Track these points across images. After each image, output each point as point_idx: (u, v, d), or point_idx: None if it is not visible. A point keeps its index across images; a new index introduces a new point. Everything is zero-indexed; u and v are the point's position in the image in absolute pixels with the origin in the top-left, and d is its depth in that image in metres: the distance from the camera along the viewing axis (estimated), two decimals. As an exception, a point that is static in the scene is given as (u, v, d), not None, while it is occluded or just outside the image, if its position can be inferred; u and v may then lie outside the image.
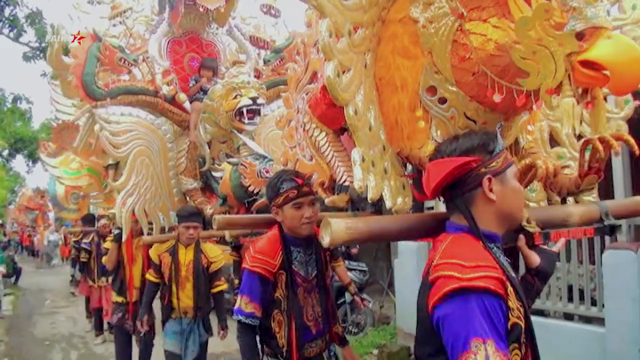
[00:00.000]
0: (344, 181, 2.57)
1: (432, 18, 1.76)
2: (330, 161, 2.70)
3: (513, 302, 1.34)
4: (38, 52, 12.16)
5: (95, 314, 8.28)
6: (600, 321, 4.40)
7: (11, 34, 11.85)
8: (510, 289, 1.34)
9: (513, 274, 1.45)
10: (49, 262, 20.42)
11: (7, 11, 11.64)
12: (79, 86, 4.41)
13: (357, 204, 2.62)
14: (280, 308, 2.56)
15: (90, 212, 9.37)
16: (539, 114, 2.12)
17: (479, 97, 1.73)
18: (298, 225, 2.54)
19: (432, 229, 1.67)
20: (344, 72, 1.74)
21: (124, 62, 4.44)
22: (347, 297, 6.94)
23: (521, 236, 1.71)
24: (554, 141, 2.20)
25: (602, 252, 4.43)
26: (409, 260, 6.57)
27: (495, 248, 1.45)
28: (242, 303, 2.53)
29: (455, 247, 1.42)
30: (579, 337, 4.49)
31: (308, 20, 3.00)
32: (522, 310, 1.37)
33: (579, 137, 2.13)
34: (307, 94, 2.85)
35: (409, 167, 2.14)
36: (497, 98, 1.60)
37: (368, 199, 1.82)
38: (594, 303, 4.59)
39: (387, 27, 1.92)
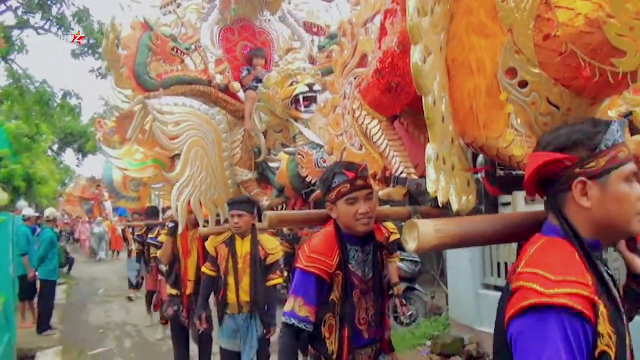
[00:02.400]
0: (401, 173, 2.40)
1: None
2: (384, 151, 2.52)
3: (604, 327, 1.16)
4: (86, 49, 12.33)
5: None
6: None
7: (59, 32, 12.05)
8: (602, 310, 1.16)
9: (615, 292, 1.26)
10: (95, 256, 19.50)
11: (55, 10, 11.79)
12: (130, 77, 4.33)
13: (415, 197, 2.41)
14: (334, 312, 2.40)
15: (154, 205, 8.85)
16: (617, 99, 1.92)
17: (565, 80, 1.55)
18: (353, 222, 2.37)
19: (531, 231, 1.46)
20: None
21: (177, 51, 4.34)
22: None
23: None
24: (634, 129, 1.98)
25: None
26: (462, 250, 6.29)
27: (594, 259, 1.25)
28: (296, 306, 2.34)
29: (544, 254, 1.25)
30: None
31: None
32: (614, 338, 1.18)
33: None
34: (355, 78, 2.70)
35: (479, 159, 1.98)
36: (588, 81, 1.43)
37: (439, 202, 1.66)
38: None
39: (460, 1, 1.75)
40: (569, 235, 1.26)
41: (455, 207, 1.65)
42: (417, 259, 7.72)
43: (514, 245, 1.69)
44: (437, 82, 1.63)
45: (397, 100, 2.39)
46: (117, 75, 4.67)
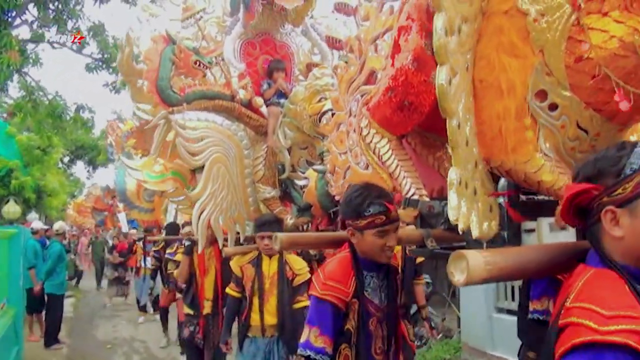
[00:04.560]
0: (412, 194, 2.35)
1: (544, 10, 1.56)
2: (393, 171, 2.48)
3: None
4: (100, 63, 12.32)
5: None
6: None
7: (74, 46, 12.07)
8: None
9: None
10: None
11: (70, 24, 11.65)
12: (153, 91, 4.24)
13: (427, 219, 2.33)
14: (350, 342, 2.26)
15: (174, 222, 8.29)
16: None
17: (597, 104, 1.54)
18: (379, 253, 2.24)
19: (574, 261, 1.40)
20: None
21: (199, 65, 4.29)
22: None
23: None
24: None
25: None
26: None
27: None
28: (312, 336, 2.21)
29: (594, 287, 1.18)
30: None
31: (365, 14, 2.79)
32: None
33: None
34: (362, 95, 2.65)
35: (500, 183, 1.91)
36: (624, 106, 1.41)
37: (453, 226, 1.61)
38: None
39: (489, 20, 1.71)
40: (611, 266, 1.20)
41: (475, 233, 1.60)
42: (430, 280, 7.52)
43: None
44: (462, 104, 1.59)
45: (409, 118, 2.36)
46: (134, 89, 4.54)
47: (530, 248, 1.51)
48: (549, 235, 1.80)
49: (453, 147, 1.55)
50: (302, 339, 2.23)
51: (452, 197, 1.55)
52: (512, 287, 6.10)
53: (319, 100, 3.96)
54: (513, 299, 6.07)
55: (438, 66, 1.50)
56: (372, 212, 2.16)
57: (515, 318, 6.02)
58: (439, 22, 1.47)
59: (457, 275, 1.33)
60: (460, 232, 1.60)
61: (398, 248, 3.91)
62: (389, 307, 2.36)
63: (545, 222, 1.80)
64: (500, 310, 6.28)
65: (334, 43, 4.92)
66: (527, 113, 1.60)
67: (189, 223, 6.50)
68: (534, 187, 1.68)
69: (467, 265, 1.29)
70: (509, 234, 1.81)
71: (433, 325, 5.65)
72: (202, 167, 4.26)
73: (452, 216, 1.56)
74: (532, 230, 1.96)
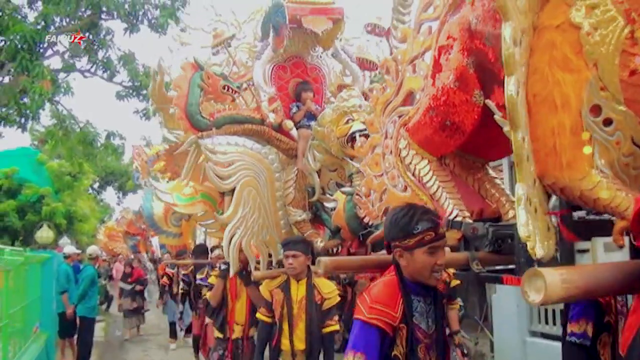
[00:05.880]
0: (455, 216, 2.30)
1: (597, 23, 1.53)
2: (434, 193, 2.43)
3: None
4: (131, 91, 12.52)
5: None
6: None
7: (105, 75, 12.29)
8: None
9: None
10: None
11: (100, 54, 12.12)
12: (182, 117, 4.31)
13: (470, 242, 2.27)
14: None
15: (202, 243, 8.14)
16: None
17: None
18: (429, 273, 2.13)
19: None
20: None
21: (228, 89, 4.31)
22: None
23: None
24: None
25: None
26: (509, 295, 6.23)
27: None
28: None
29: None
30: None
31: (402, 35, 2.74)
32: None
33: None
34: (400, 116, 2.63)
35: (552, 202, 1.85)
36: None
37: (534, 256, 1.55)
38: None
39: (540, 35, 1.68)
40: None
41: (540, 253, 1.55)
42: (461, 303, 7.34)
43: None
44: (523, 118, 1.57)
45: (451, 139, 2.31)
46: (166, 116, 4.60)
47: (605, 265, 1.47)
48: (604, 255, 1.74)
49: (518, 162, 1.52)
50: None
51: (521, 213, 1.52)
52: (546, 310, 5.97)
53: (347, 122, 3.89)
54: (547, 322, 5.95)
55: (506, 77, 1.48)
56: (421, 229, 2.09)
57: (549, 342, 5.88)
58: (506, 31, 1.46)
59: (532, 295, 1.28)
60: (531, 252, 1.54)
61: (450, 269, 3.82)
62: (437, 333, 2.26)
63: (600, 242, 1.73)
64: (534, 334, 6.14)
65: (365, 64, 4.91)
66: (582, 128, 1.57)
67: (218, 246, 6.51)
68: (589, 205, 1.64)
69: (544, 284, 1.24)
70: (562, 254, 1.76)
71: (465, 351, 5.51)
72: (232, 190, 4.27)
73: (522, 233, 1.51)
74: (585, 251, 1.91)
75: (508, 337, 6.38)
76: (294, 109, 4.71)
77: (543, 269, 1.29)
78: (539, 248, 1.54)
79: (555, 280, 1.26)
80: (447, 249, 2.32)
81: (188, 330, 9.26)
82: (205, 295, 6.85)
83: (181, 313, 9.44)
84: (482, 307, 8.25)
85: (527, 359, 6.02)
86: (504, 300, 6.40)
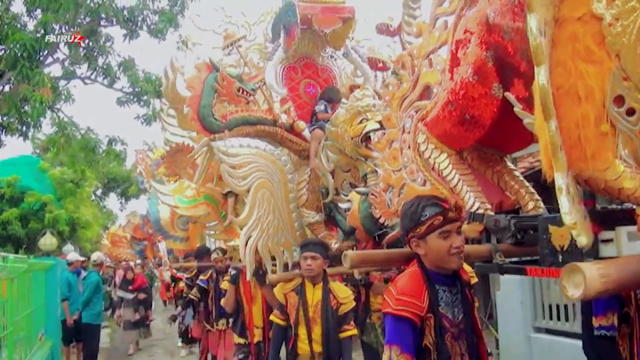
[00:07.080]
0: (477, 209, 2.30)
1: (618, 14, 1.53)
2: (455, 186, 2.44)
3: None
4: (131, 97, 12.59)
5: None
6: None
7: (105, 81, 12.38)
8: None
9: None
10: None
11: (100, 61, 12.18)
12: (195, 119, 4.22)
13: (493, 234, 2.30)
14: (430, 359, 2.16)
15: (204, 244, 7.99)
16: None
17: None
18: (447, 257, 2.18)
19: None
20: None
21: (242, 92, 4.29)
22: None
23: None
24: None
25: None
26: (513, 292, 6.31)
27: None
28: (394, 355, 2.13)
29: None
30: None
31: (418, 30, 2.77)
32: None
33: None
34: (417, 111, 2.63)
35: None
36: None
37: (579, 244, 1.53)
38: None
39: (562, 27, 1.69)
40: None
41: (584, 241, 1.53)
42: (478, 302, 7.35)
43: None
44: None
45: (471, 132, 2.34)
46: (180, 116, 4.58)
47: (636, 257, 1.47)
48: (628, 244, 1.75)
49: (553, 152, 1.53)
50: None
51: (564, 201, 1.52)
52: (550, 306, 6.05)
53: (360, 122, 3.89)
54: (551, 318, 6.02)
55: (536, 67, 1.49)
56: (429, 214, 2.17)
57: (554, 337, 5.88)
58: (532, 22, 1.47)
59: (572, 290, 1.29)
60: (577, 241, 1.54)
61: (468, 268, 3.78)
62: (464, 322, 2.28)
63: (623, 232, 1.74)
64: (538, 330, 6.20)
65: (376, 64, 4.94)
66: (606, 119, 1.58)
67: (219, 248, 6.39)
68: (614, 195, 1.65)
69: (583, 279, 1.25)
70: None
71: None
72: (236, 192, 4.24)
73: (568, 221, 1.51)
74: (609, 241, 1.92)
75: (513, 333, 6.43)
76: (322, 106, 4.64)
77: (582, 264, 1.31)
78: (583, 236, 1.54)
79: (594, 275, 1.27)
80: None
81: (184, 333, 9.21)
82: (193, 295, 6.87)
83: (183, 317, 9.15)
84: (487, 304, 8.30)
85: (532, 355, 6.07)
86: (508, 297, 6.46)
